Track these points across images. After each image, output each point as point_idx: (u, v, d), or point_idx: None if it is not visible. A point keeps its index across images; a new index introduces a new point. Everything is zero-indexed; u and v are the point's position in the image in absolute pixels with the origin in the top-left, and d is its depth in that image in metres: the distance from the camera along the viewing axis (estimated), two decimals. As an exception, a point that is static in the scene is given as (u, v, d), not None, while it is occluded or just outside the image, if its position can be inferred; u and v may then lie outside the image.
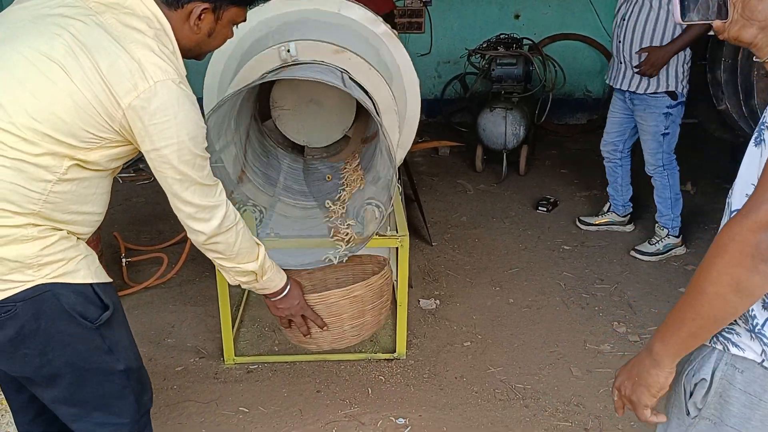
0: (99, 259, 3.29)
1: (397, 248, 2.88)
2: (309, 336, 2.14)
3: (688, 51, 3.80)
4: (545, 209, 4.77)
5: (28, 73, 1.46)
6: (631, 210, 4.46)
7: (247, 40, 2.94)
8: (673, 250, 4.12)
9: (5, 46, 1.49)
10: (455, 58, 6.87)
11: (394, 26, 3.72)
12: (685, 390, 1.34)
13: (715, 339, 1.28)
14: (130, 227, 4.40)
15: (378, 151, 2.82)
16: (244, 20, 1.76)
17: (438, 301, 3.56)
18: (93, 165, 1.55)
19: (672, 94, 3.80)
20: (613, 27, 3.96)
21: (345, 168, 3.11)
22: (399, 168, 3.38)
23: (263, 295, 2.04)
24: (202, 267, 3.88)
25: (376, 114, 2.43)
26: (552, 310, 3.50)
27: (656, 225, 4.18)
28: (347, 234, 2.76)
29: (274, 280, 1.97)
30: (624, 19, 3.83)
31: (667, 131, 3.90)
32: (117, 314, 1.68)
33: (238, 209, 2.14)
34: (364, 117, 3.19)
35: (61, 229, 1.56)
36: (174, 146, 1.55)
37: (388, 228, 2.91)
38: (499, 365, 3.04)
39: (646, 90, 3.85)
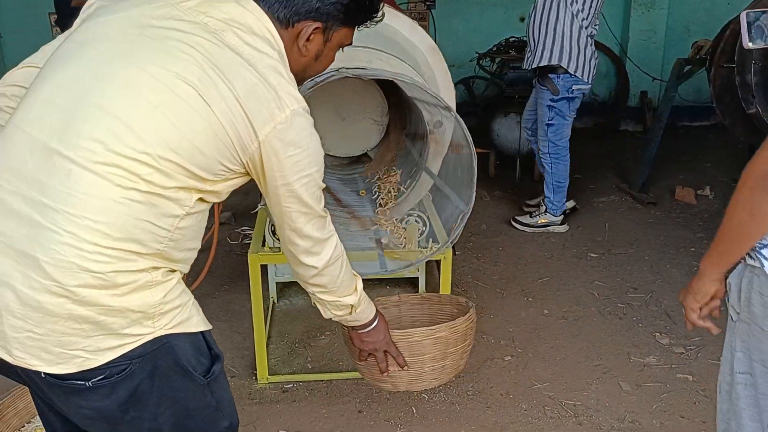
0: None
1: (439, 261, 2.76)
2: (386, 374, 2.00)
3: (582, 33, 4.02)
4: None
5: (164, 98, 1.26)
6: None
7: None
8: (551, 227, 4.43)
9: (126, 64, 1.28)
10: (460, 62, 6.76)
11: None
12: (724, 299, 1.63)
13: (746, 256, 1.51)
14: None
15: (422, 158, 2.71)
16: (350, 44, 1.58)
17: (471, 313, 3.43)
18: (213, 197, 1.39)
19: (552, 88, 4.08)
20: None
21: (380, 180, 2.98)
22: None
23: (351, 326, 1.90)
24: (220, 280, 3.73)
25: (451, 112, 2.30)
26: (589, 321, 3.38)
27: (541, 199, 4.48)
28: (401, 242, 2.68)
29: (365, 312, 1.82)
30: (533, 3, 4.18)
31: (551, 122, 4.19)
32: (222, 365, 1.52)
33: None
34: (393, 136, 3.08)
35: (175, 271, 1.38)
36: (305, 179, 1.40)
37: (431, 240, 2.79)
38: (544, 380, 2.91)
39: (532, 63, 4.14)
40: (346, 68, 2.28)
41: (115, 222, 1.24)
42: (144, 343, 1.31)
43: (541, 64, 4.08)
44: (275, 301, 3.50)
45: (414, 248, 2.70)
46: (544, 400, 2.79)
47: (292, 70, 1.44)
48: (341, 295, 1.69)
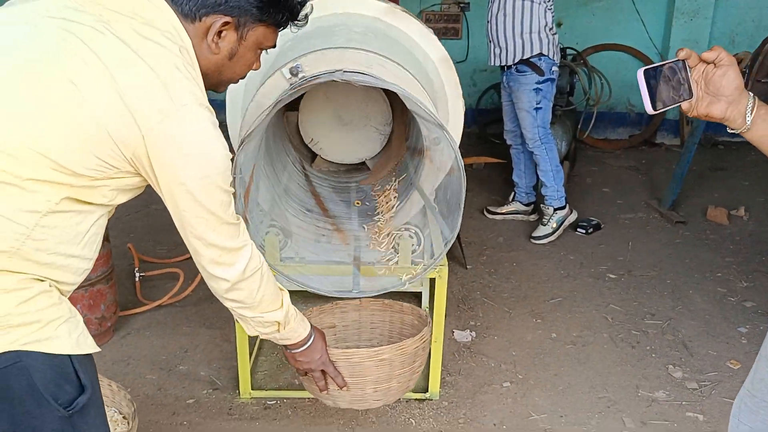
0: (109, 274, 3.05)
1: (434, 279, 2.61)
2: (326, 392, 1.88)
3: (549, 17, 4.11)
4: (584, 231, 4.45)
5: (27, 84, 1.19)
6: (534, 199, 4.64)
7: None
8: (566, 221, 4.37)
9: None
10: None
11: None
12: None
13: None
14: (146, 237, 4.16)
15: (417, 175, 2.56)
16: (274, 46, 1.48)
17: (474, 333, 3.27)
18: (94, 198, 1.28)
19: (538, 70, 4.10)
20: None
21: (379, 192, 2.84)
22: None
23: (282, 345, 1.78)
24: (220, 284, 3.62)
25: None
26: (599, 348, 3.19)
27: (542, 206, 4.40)
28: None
29: (297, 330, 1.70)
30: (491, 1, 4.18)
31: (539, 106, 4.20)
32: (95, 398, 1.37)
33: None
34: (395, 145, 2.93)
35: (42, 280, 1.26)
36: (202, 181, 1.31)
37: (425, 256, 2.64)
38: (542, 411, 2.74)
39: (513, 60, 4.14)
40: (343, 71, 2.15)
41: None
42: None
43: (524, 57, 4.11)
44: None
45: (406, 264, 2.55)
46: (539, 433, 2.62)
47: (204, 70, 1.37)
48: (264, 310, 1.58)
